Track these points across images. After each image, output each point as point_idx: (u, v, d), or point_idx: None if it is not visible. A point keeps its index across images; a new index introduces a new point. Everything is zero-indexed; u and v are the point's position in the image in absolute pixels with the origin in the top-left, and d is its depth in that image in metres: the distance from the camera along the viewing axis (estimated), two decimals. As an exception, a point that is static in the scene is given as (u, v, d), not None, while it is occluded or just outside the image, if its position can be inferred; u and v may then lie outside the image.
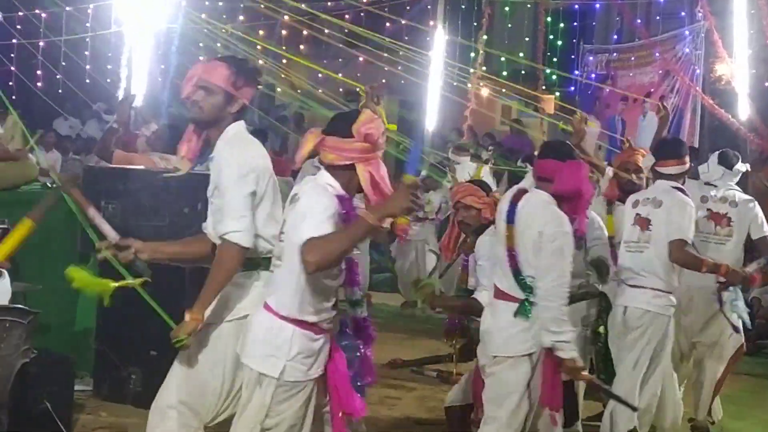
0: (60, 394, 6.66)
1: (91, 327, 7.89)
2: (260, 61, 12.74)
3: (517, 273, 5.61)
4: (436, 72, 15.84)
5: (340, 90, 15.57)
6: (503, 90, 16.60)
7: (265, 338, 4.51)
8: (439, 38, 16.28)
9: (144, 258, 4.89)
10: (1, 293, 5.79)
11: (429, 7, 18.86)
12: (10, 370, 5.50)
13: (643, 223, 6.94)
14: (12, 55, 17.10)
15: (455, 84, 15.82)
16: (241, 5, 14.61)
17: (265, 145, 5.55)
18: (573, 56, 21.02)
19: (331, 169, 4.59)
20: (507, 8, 21.16)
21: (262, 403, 4.51)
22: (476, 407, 6.27)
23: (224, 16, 16.48)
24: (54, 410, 6.41)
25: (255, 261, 4.76)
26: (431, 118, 16.51)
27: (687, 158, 7.16)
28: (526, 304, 5.56)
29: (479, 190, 6.68)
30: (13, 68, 16.77)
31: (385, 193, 4.53)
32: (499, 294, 5.73)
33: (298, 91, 16.26)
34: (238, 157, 4.70)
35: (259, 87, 5.03)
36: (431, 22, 17.35)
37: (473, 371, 6.50)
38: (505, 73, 18.71)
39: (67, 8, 15.78)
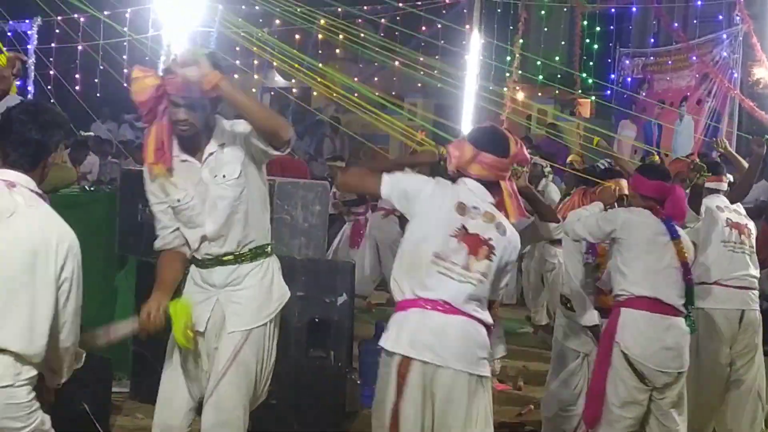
0: (98, 396, 6.72)
1: (128, 329, 7.93)
2: (296, 65, 12.77)
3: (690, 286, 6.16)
4: (472, 75, 15.82)
5: (376, 94, 15.58)
6: (539, 94, 16.57)
7: (478, 343, 4.75)
8: (475, 42, 16.25)
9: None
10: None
11: (465, 10, 18.85)
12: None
13: (740, 227, 7.52)
14: (51, 59, 17.22)
15: (491, 87, 15.80)
16: (278, 9, 14.61)
17: (300, 146, 5.60)
18: (609, 60, 20.96)
19: (477, 180, 4.90)
20: (543, 12, 21.13)
21: (489, 401, 4.83)
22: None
23: (261, 20, 16.52)
24: (91, 412, 6.46)
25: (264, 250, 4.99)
26: (467, 122, 16.48)
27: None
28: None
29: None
30: (52, 72, 16.89)
31: (520, 205, 5.02)
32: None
33: (334, 95, 16.29)
34: None
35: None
36: (467, 26, 17.32)
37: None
38: (541, 77, 18.68)
39: (106, 12, 15.88)
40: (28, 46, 16.77)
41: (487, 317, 4.82)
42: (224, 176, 4.81)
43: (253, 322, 4.89)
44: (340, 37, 15.14)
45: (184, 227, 4.93)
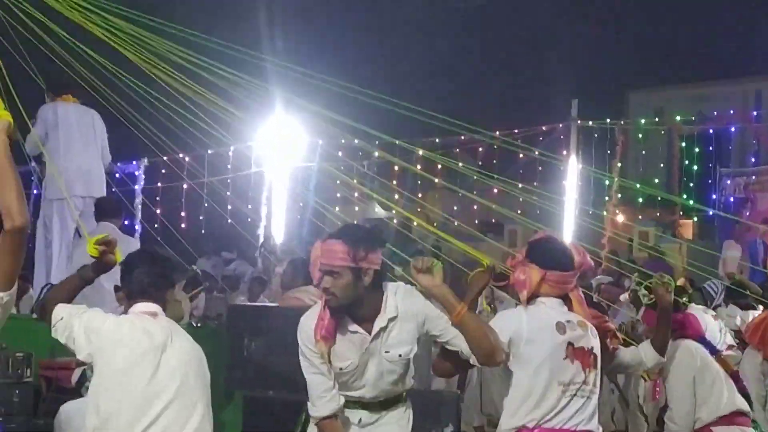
0: None
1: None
2: (395, 196, 12.93)
3: None
4: (571, 200, 15.83)
5: (476, 222, 15.66)
6: (639, 216, 16.47)
7: None
8: (573, 167, 16.29)
9: None
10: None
11: (562, 137, 18.93)
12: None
13: None
14: (157, 198, 17.70)
15: (591, 212, 15.76)
16: (377, 141, 14.87)
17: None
18: (709, 180, 20.80)
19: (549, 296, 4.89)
20: (640, 135, 21.12)
21: None
22: None
23: (360, 153, 16.80)
24: None
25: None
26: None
27: None
28: None
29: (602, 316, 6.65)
30: (158, 211, 17.33)
31: (586, 307, 4.96)
32: None
33: (434, 224, 16.39)
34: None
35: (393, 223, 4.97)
36: (564, 152, 17.38)
37: None
38: (640, 200, 18.59)
39: (209, 151, 16.31)
40: (135, 187, 17.29)
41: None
42: (400, 356, 4.81)
43: None
44: (439, 167, 15.31)
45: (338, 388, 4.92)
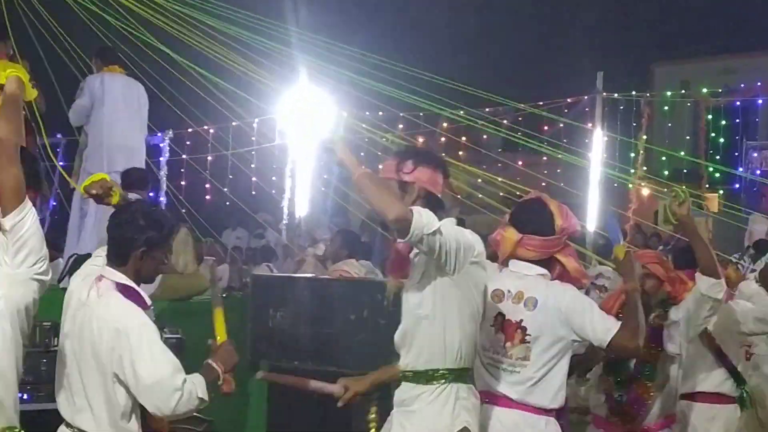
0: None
1: (261, 434, 8.01)
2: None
3: None
4: (596, 172, 15.75)
5: (500, 194, 15.60)
6: (665, 189, 16.36)
7: None
8: (598, 139, 16.21)
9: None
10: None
11: (587, 109, 18.84)
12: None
13: None
14: (182, 170, 17.73)
15: (615, 185, 15.70)
16: (401, 114, 14.86)
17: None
18: (736, 153, 20.68)
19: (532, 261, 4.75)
20: (666, 108, 21.00)
21: None
22: None
23: (384, 125, 16.79)
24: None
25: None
26: (592, 220, 16.37)
27: None
28: None
29: (667, 261, 6.54)
30: (183, 183, 17.37)
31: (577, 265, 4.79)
32: None
33: (458, 196, 16.36)
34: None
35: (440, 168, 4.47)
36: (590, 124, 17.30)
37: None
38: (666, 173, 18.50)
39: (234, 123, 16.32)
40: (161, 159, 17.31)
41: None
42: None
43: None
44: (463, 138, 15.27)
45: None
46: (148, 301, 4.45)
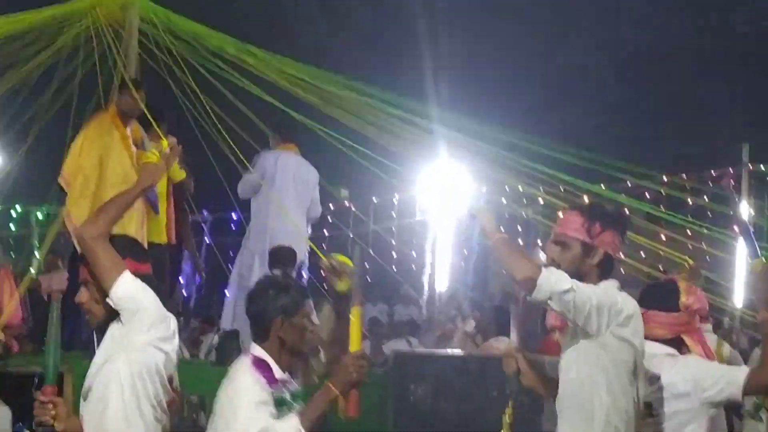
0: None
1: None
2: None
3: None
4: (743, 248, 15.36)
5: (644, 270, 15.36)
6: (816, 264, 15.82)
7: None
8: (744, 215, 15.83)
9: None
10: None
11: (733, 182, 18.46)
12: None
13: None
14: (323, 245, 17.92)
15: (765, 260, 15.25)
16: (540, 188, 14.77)
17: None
18: None
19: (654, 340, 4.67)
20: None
21: None
22: None
23: (524, 201, 16.75)
24: None
25: None
26: (738, 293, 15.93)
27: None
28: None
29: None
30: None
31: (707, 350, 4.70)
32: None
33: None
34: None
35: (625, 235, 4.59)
36: (735, 198, 16.93)
37: None
38: (818, 245, 17.93)
39: (374, 199, 16.48)
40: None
41: None
42: None
43: None
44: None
45: None
46: (279, 375, 4.41)
